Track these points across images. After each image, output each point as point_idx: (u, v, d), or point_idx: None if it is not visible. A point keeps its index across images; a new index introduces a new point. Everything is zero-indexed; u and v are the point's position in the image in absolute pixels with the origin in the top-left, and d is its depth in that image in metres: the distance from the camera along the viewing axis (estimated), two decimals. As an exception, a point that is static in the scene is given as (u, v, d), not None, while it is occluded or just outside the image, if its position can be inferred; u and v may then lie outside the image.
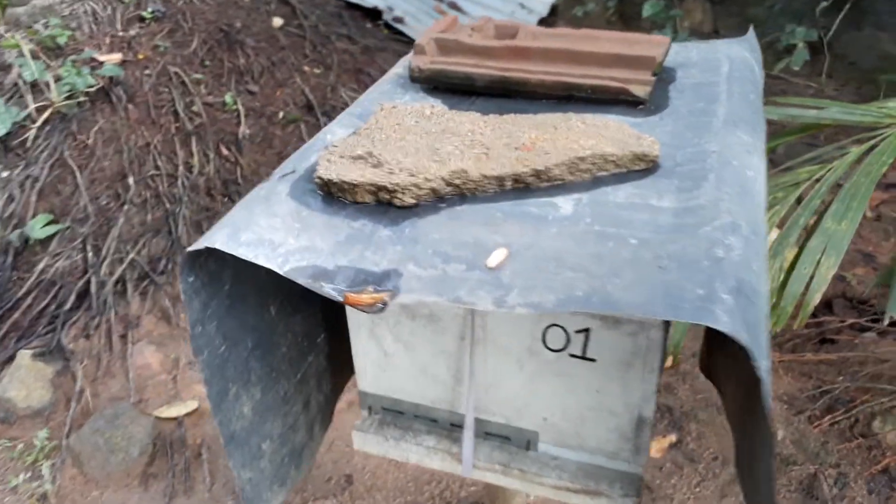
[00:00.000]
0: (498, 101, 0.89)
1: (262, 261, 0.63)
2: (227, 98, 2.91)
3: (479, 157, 0.71)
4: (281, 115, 3.00)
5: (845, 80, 3.33)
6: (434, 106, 0.83)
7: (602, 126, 0.75)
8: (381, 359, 0.92)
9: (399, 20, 3.82)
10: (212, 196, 2.73)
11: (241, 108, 2.91)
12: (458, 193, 0.69)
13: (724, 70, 0.91)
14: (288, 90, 3.10)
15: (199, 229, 2.64)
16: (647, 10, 3.60)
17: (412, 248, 0.63)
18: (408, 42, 3.73)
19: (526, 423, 0.89)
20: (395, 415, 0.97)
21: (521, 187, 0.70)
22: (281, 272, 0.62)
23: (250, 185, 2.77)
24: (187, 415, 2.23)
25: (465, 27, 1.01)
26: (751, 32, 1.07)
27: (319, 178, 0.70)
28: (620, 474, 0.88)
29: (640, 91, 0.85)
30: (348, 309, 0.84)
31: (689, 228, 0.61)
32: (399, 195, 0.68)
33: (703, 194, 0.65)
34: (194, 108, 2.84)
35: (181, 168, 2.70)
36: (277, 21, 3.34)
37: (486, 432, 0.92)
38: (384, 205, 0.69)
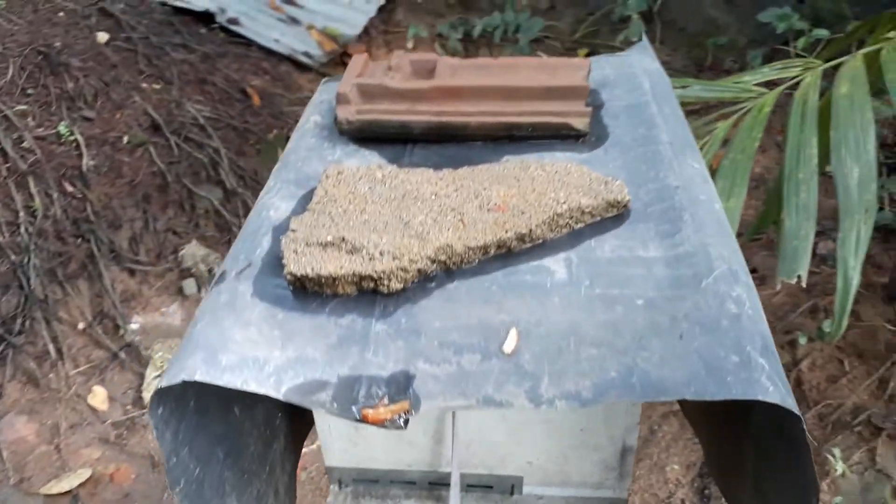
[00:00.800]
0: (436, 147, 0.86)
1: (253, 387, 0.56)
2: (62, 128, 2.63)
3: (455, 225, 0.67)
4: (125, 139, 2.75)
5: (676, 45, 3.56)
6: (381, 167, 0.78)
7: (563, 172, 0.74)
8: (350, 433, 0.87)
9: (234, 21, 3.61)
10: (62, 240, 2.46)
11: (79, 137, 2.64)
12: (444, 269, 0.65)
13: (646, 87, 0.93)
14: (128, 111, 2.85)
15: (55, 278, 2.38)
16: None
17: (416, 342, 0.59)
18: (247, 44, 3.54)
19: (510, 470, 0.88)
20: (368, 484, 0.92)
21: (503, 252, 0.67)
22: (280, 397, 0.56)
23: (104, 220, 2.54)
24: (81, 485, 2.03)
25: (379, 66, 0.95)
26: (645, 41, 1.09)
27: (291, 274, 0.63)
28: (608, 501, 0.89)
29: (580, 124, 0.84)
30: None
31: (690, 281, 0.61)
32: (385, 282, 0.63)
33: (687, 239, 0.65)
34: (24, 145, 2.54)
35: (22, 213, 2.41)
36: (103, 36, 3.05)
37: (469, 484, 0.90)
38: (368, 293, 0.64)
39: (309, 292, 0.64)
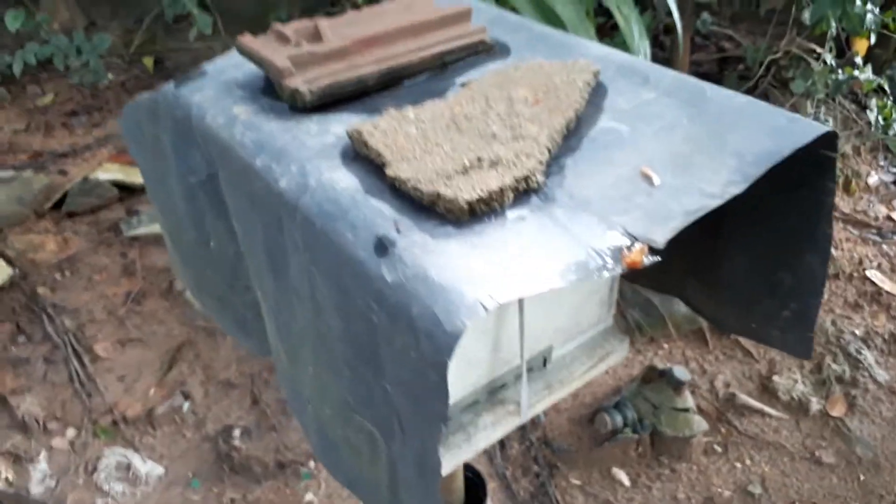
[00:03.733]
0: (391, 92, 0.89)
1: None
2: None
3: (524, 122, 0.76)
4: None
5: (237, 31, 3.63)
6: (397, 113, 0.80)
7: (536, 67, 0.87)
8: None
9: None
10: None
11: None
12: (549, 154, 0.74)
13: (480, 6, 1.08)
14: None
15: None
16: (10, 23, 3.18)
17: (594, 208, 0.69)
18: None
19: (543, 344, 1.00)
20: (441, 426, 0.94)
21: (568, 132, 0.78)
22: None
23: None
24: None
25: (268, 39, 0.91)
26: None
27: (467, 203, 0.65)
28: (602, 332, 1.08)
29: (488, 39, 0.97)
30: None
31: (699, 101, 0.82)
32: (534, 177, 0.70)
33: (660, 81, 0.86)
34: None
35: None
36: None
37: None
38: (520, 194, 0.70)
39: (479, 213, 0.67)
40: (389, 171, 0.71)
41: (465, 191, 0.66)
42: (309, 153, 0.78)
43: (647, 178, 0.72)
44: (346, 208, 0.70)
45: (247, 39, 0.89)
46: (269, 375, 2.14)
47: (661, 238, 0.65)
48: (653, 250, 0.64)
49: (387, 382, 0.72)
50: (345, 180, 0.73)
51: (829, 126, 0.72)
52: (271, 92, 0.89)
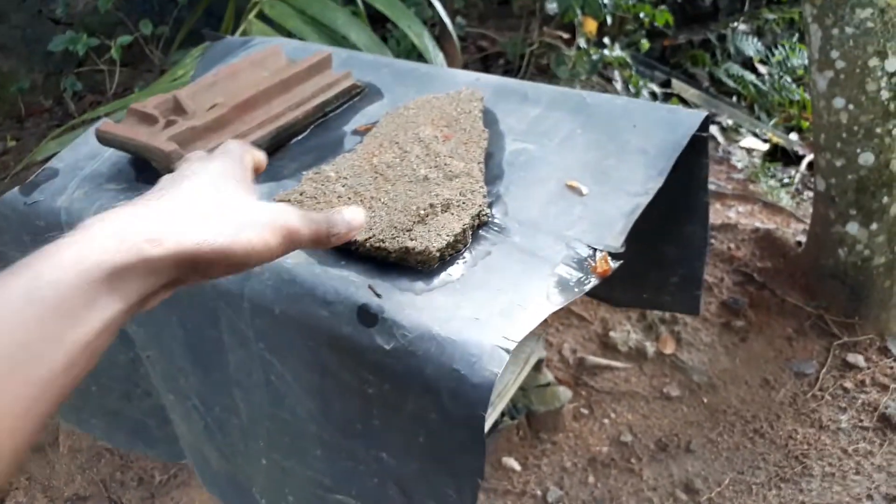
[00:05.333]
0: (283, 154, 0.85)
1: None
2: None
3: (448, 159, 0.77)
4: None
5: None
6: (312, 172, 0.76)
7: (424, 101, 0.88)
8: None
9: None
10: None
11: None
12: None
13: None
14: None
15: None
16: None
17: (537, 227, 0.72)
18: None
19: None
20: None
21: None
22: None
23: None
24: None
25: (130, 122, 0.82)
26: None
27: (439, 250, 0.65)
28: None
29: (359, 83, 0.95)
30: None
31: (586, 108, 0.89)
32: (486, 212, 0.71)
33: (535, 98, 0.91)
34: None
35: None
36: None
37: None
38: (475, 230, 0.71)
39: (445, 258, 0.67)
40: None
41: (433, 240, 0.66)
42: (232, 236, 0.72)
43: (575, 190, 0.76)
44: (310, 286, 0.66)
45: (109, 127, 0.79)
46: (124, 475, 1.92)
47: (617, 242, 0.70)
48: (613, 255, 0.69)
49: (382, 452, 0.69)
50: (292, 257, 0.69)
51: (702, 112, 0.82)
52: (150, 177, 0.81)
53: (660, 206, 0.95)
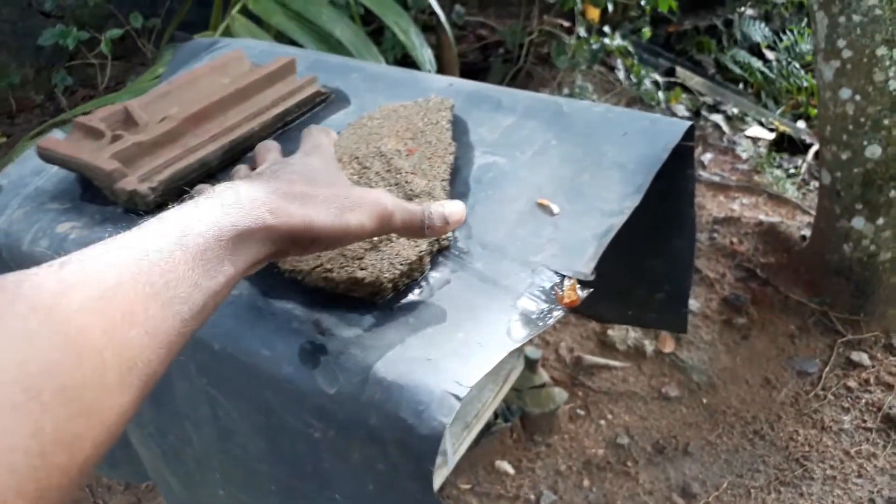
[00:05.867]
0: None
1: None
2: None
3: (414, 172, 0.71)
4: None
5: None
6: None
7: (390, 110, 0.82)
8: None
9: None
10: None
11: None
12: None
13: (291, 51, 1.01)
14: None
15: None
16: None
17: (504, 248, 0.67)
18: None
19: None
20: None
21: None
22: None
23: None
24: None
25: (75, 137, 0.77)
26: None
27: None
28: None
29: (323, 89, 0.90)
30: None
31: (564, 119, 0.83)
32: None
33: (509, 101, 0.86)
34: None
35: None
36: None
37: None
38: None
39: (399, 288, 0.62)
40: (285, 265, 0.63)
41: (384, 269, 0.61)
42: (175, 263, 0.67)
43: (546, 209, 0.71)
44: (250, 320, 0.61)
45: (50, 143, 0.74)
46: (110, 479, 1.89)
47: (587, 269, 0.64)
48: (582, 283, 0.64)
49: (336, 493, 0.65)
50: (235, 288, 0.64)
51: (686, 122, 0.76)
52: (95, 196, 0.76)
53: (645, 219, 0.89)
